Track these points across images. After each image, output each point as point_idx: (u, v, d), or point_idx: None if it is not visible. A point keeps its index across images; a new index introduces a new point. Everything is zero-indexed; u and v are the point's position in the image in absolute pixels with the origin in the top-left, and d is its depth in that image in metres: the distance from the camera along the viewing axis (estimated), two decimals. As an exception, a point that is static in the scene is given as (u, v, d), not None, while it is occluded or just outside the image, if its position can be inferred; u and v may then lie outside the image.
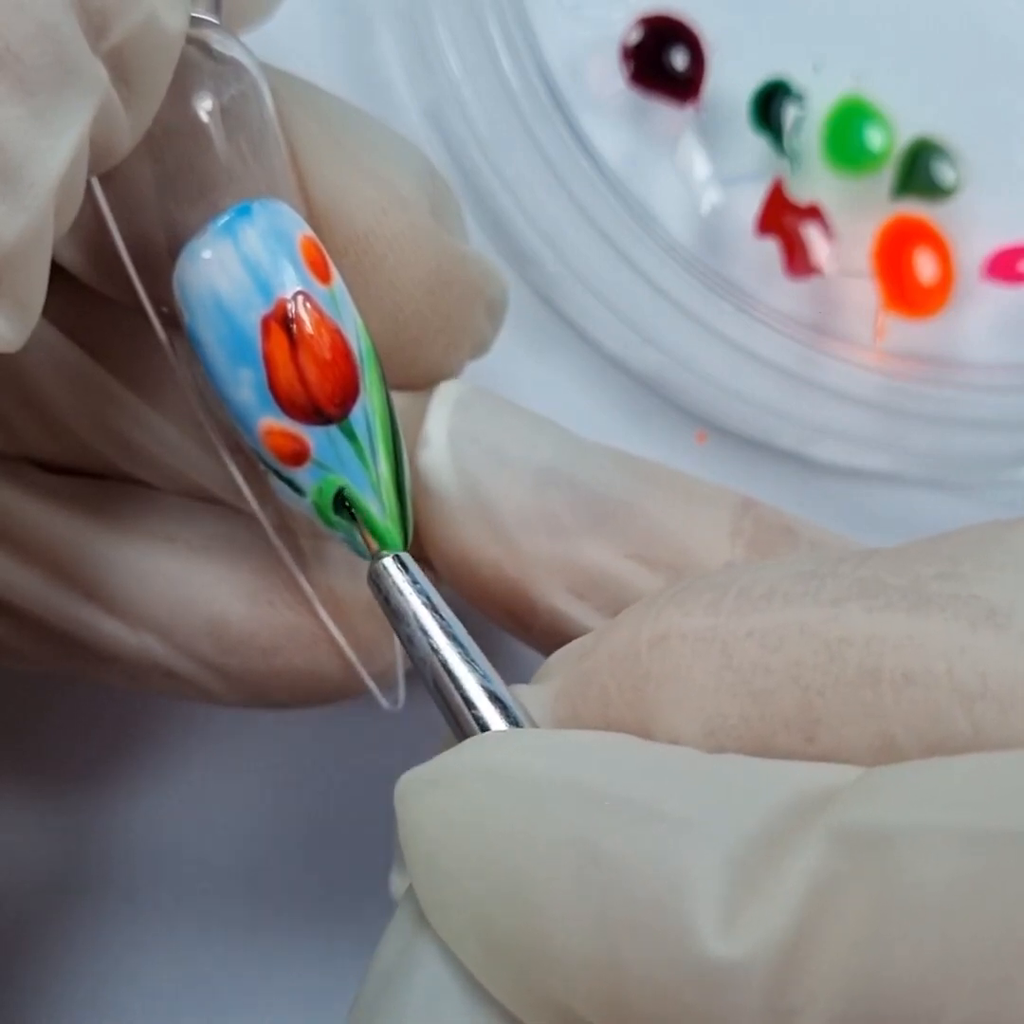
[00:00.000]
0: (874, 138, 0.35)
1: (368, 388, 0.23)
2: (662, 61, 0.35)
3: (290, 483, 0.23)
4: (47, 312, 0.22)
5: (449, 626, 0.22)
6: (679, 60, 0.35)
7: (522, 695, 0.21)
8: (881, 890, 0.16)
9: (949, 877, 0.16)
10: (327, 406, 0.23)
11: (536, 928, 0.18)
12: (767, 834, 0.17)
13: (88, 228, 0.24)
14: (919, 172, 0.36)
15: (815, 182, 0.35)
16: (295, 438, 0.23)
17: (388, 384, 0.24)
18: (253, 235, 0.22)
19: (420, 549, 0.26)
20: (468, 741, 0.20)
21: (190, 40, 0.23)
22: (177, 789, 0.34)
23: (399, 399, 0.26)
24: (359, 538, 0.23)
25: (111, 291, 0.26)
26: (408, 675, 0.27)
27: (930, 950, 0.16)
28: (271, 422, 0.23)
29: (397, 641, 0.26)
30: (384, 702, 0.27)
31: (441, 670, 0.21)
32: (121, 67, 0.20)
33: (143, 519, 0.27)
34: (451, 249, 0.27)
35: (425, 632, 0.22)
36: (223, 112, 0.24)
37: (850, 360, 0.35)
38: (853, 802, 0.17)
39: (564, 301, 0.35)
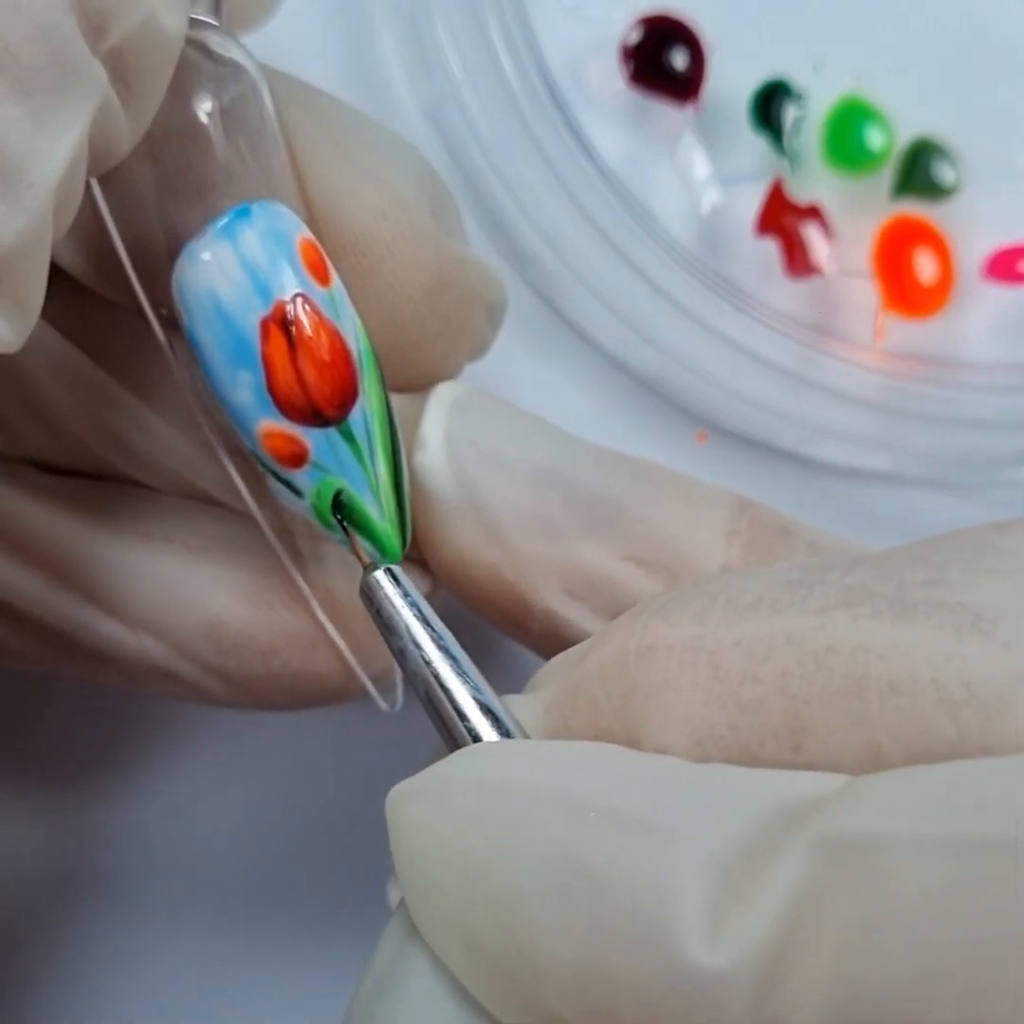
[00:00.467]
0: (874, 138, 0.35)
1: (367, 390, 0.23)
2: (662, 61, 0.35)
3: (289, 485, 0.23)
4: (46, 313, 0.22)
5: (441, 638, 0.22)
6: (679, 60, 0.35)
7: (514, 706, 0.21)
8: (864, 898, 0.16)
9: (931, 885, 0.16)
10: (326, 408, 0.23)
11: (523, 938, 0.18)
12: (751, 843, 0.17)
13: (87, 229, 0.24)
14: (919, 172, 0.35)
15: (815, 182, 0.35)
16: (294, 440, 0.23)
17: (387, 386, 0.24)
18: (252, 237, 0.22)
19: (416, 551, 0.26)
20: (457, 753, 0.20)
21: (189, 41, 0.23)
22: (176, 790, 0.34)
23: (397, 401, 0.26)
24: (359, 541, 0.23)
25: (110, 293, 0.26)
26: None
27: (912, 958, 0.16)
28: (270, 424, 0.23)
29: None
30: (382, 704, 0.27)
31: (433, 682, 0.21)
32: (120, 68, 0.20)
33: (142, 520, 0.27)
34: (450, 251, 0.27)
35: (417, 644, 0.22)
36: (222, 113, 0.24)
37: (850, 360, 0.35)
38: (836, 811, 0.17)
39: (564, 301, 0.35)
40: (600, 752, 0.19)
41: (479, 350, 0.29)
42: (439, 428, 0.26)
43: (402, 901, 0.20)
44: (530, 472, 0.26)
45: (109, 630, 0.26)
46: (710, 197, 0.36)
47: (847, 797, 0.17)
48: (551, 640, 0.26)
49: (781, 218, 0.35)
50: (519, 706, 0.21)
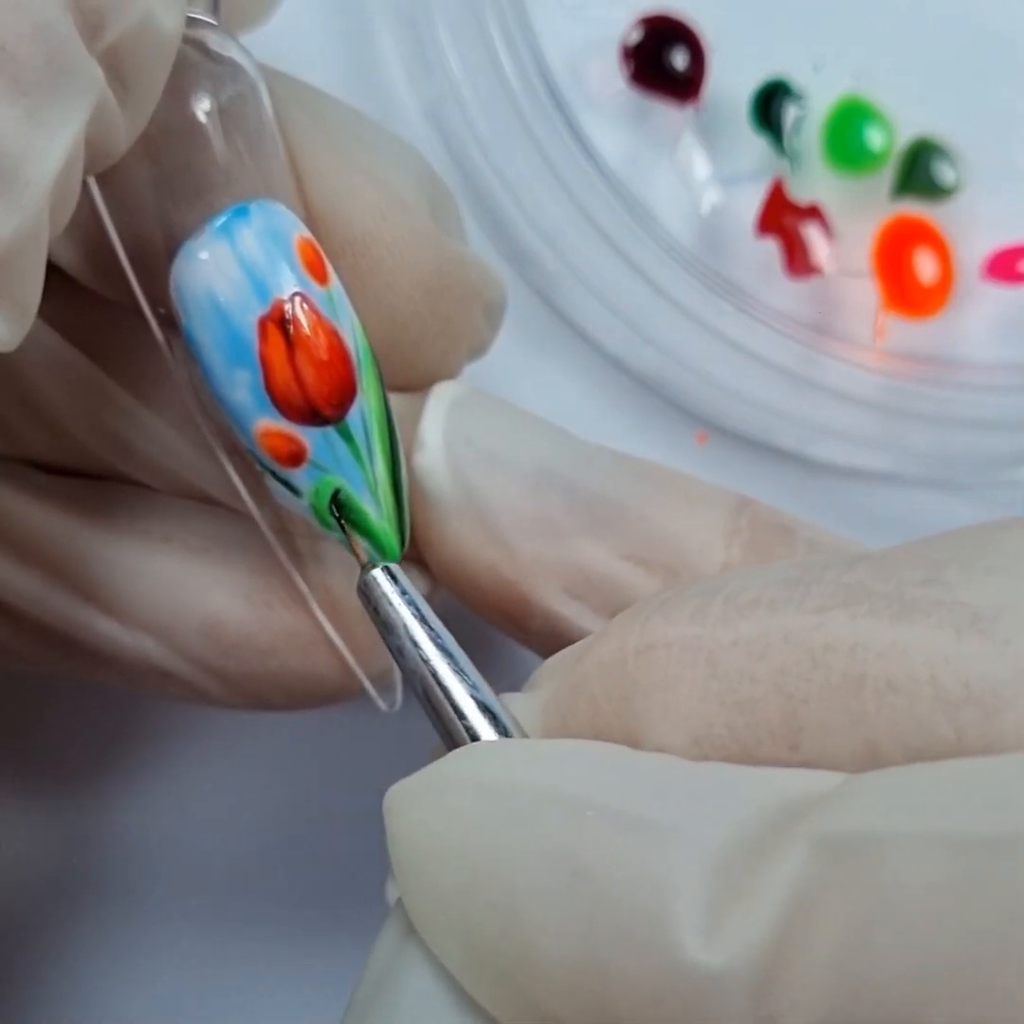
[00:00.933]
0: (874, 138, 0.35)
1: (365, 389, 0.23)
2: (662, 61, 0.35)
3: (287, 484, 0.23)
4: (44, 313, 0.22)
5: (438, 637, 0.22)
6: (679, 60, 0.35)
7: (512, 704, 0.21)
8: (862, 896, 0.16)
9: (930, 883, 0.16)
10: (324, 407, 0.23)
11: (521, 937, 0.18)
12: (749, 841, 0.17)
13: (85, 229, 0.24)
14: (919, 172, 0.35)
15: (815, 182, 0.35)
16: (292, 439, 0.23)
17: (386, 385, 0.24)
18: (250, 236, 0.22)
19: (416, 551, 0.26)
20: (455, 752, 0.20)
21: (188, 41, 0.23)
22: (175, 790, 0.34)
23: (396, 400, 0.26)
24: (357, 541, 0.23)
25: (108, 292, 0.26)
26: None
27: (911, 956, 0.16)
28: (268, 423, 0.23)
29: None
30: (382, 704, 0.27)
31: (431, 681, 0.21)
32: (117, 67, 0.20)
33: (140, 520, 0.27)
34: (450, 251, 0.27)
35: (415, 643, 0.22)
36: (221, 113, 0.24)
37: (850, 360, 0.35)
38: (834, 809, 0.17)
39: (564, 301, 0.35)
40: (598, 751, 0.19)
41: (479, 350, 0.29)
42: (438, 428, 0.26)
43: (399, 900, 0.20)
44: (529, 471, 0.26)
45: (108, 630, 0.26)
46: (710, 197, 0.35)
47: (845, 795, 0.17)
48: (551, 639, 0.26)
49: (781, 218, 0.35)
50: (517, 705, 0.21)
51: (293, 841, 0.34)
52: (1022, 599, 0.18)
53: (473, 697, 0.21)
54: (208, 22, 0.24)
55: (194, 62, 0.23)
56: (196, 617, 0.26)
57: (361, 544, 0.23)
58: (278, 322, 0.22)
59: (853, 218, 0.35)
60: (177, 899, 0.34)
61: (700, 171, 0.36)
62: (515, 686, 0.22)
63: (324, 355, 0.22)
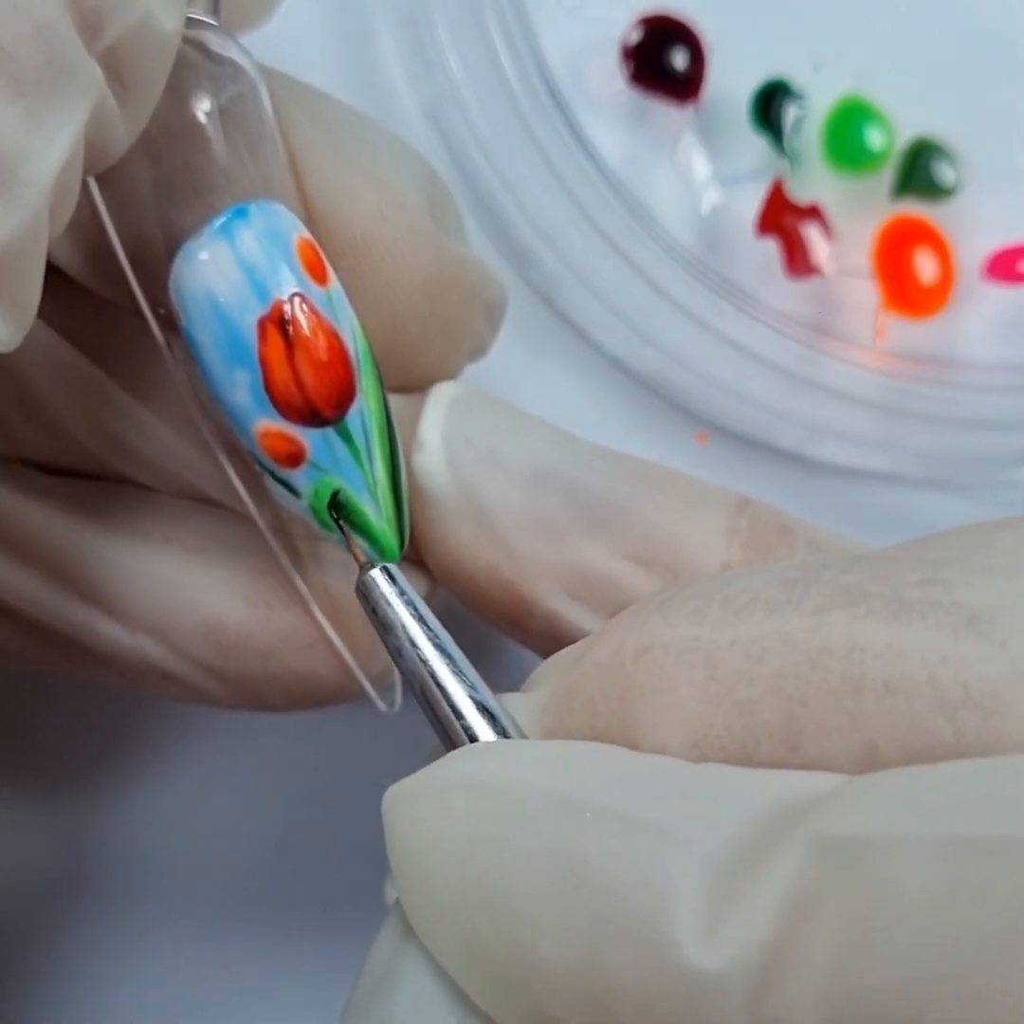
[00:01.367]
0: (874, 138, 0.35)
1: (365, 390, 0.23)
2: (662, 61, 0.35)
3: (286, 485, 0.23)
4: (44, 313, 0.22)
5: (437, 637, 0.22)
6: (679, 60, 0.35)
7: (511, 704, 0.21)
8: (860, 899, 0.16)
9: (928, 885, 0.16)
10: (323, 408, 0.23)
11: (519, 938, 0.18)
12: (748, 843, 0.17)
13: (85, 229, 0.24)
14: (919, 172, 0.35)
15: (815, 182, 0.35)
16: (291, 440, 0.23)
17: (385, 386, 0.24)
18: (249, 237, 0.22)
19: (415, 552, 0.26)
20: (454, 753, 0.20)
21: (188, 41, 0.23)
22: (174, 791, 0.34)
23: (395, 401, 0.26)
24: (355, 541, 0.23)
25: (108, 292, 0.26)
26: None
27: (910, 959, 0.16)
28: (267, 424, 0.23)
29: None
30: (381, 705, 0.27)
31: (430, 681, 0.21)
32: (116, 67, 0.20)
33: (139, 520, 0.27)
34: (450, 252, 0.27)
35: (413, 644, 0.22)
36: (221, 113, 0.24)
37: (850, 360, 0.35)
38: (832, 811, 0.17)
39: (564, 301, 0.35)
40: (597, 752, 0.19)
41: (479, 351, 0.29)
42: (437, 428, 0.26)
43: (398, 901, 0.20)
44: (529, 472, 0.26)
45: (107, 630, 0.26)
46: (710, 197, 0.35)
47: (843, 797, 0.17)
48: (551, 640, 0.26)
49: (781, 218, 0.35)
50: (516, 705, 0.21)
51: (293, 841, 0.34)
52: (1019, 599, 0.18)
53: (471, 698, 0.21)
54: (208, 22, 0.24)
55: (194, 62, 0.23)
56: (196, 618, 0.26)
57: (360, 544, 0.23)
58: (277, 323, 0.22)
59: (853, 218, 0.35)
60: (177, 899, 0.34)
61: (700, 171, 0.36)
62: (515, 686, 0.22)
63: (323, 356, 0.22)
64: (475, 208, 0.35)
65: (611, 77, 0.35)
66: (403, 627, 0.22)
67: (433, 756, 0.20)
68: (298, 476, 0.23)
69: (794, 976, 0.16)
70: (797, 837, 0.17)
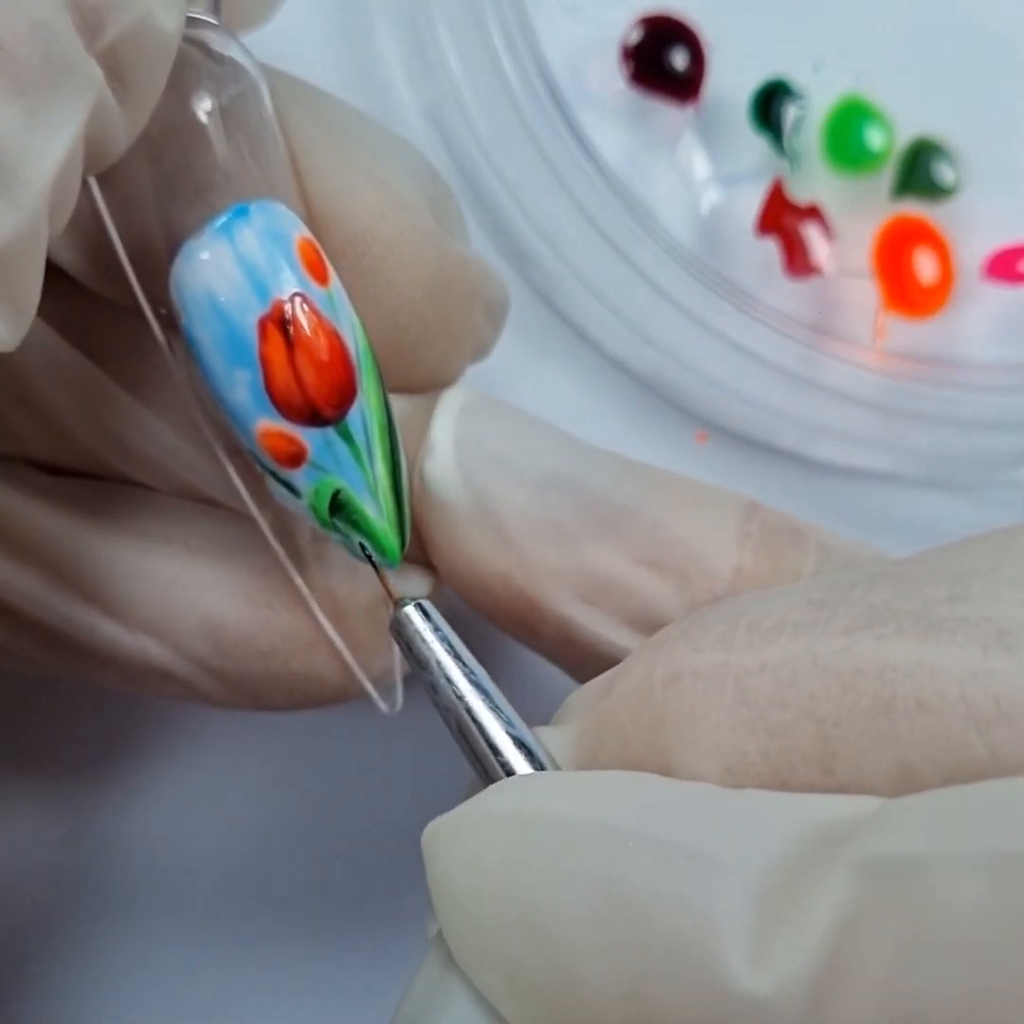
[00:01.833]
0: (874, 138, 0.35)
1: (365, 390, 0.23)
2: (662, 61, 0.35)
3: (287, 485, 0.23)
4: (45, 313, 0.22)
5: (472, 672, 0.22)
6: (679, 60, 0.35)
7: (543, 737, 0.21)
8: (909, 919, 0.16)
9: (977, 903, 0.16)
10: (324, 408, 0.23)
11: (564, 968, 0.18)
12: (792, 867, 0.17)
13: (86, 229, 0.24)
14: (919, 172, 0.35)
15: (815, 182, 0.35)
16: (292, 440, 0.23)
17: (387, 387, 0.24)
18: (250, 236, 0.22)
19: (418, 552, 0.26)
20: (493, 787, 0.20)
21: (189, 40, 0.23)
22: (174, 791, 0.34)
23: (400, 403, 0.26)
24: (356, 541, 0.23)
25: (109, 292, 0.26)
26: (406, 679, 0.27)
27: (962, 976, 0.16)
28: (268, 424, 0.23)
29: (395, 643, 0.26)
30: (382, 705, 0.27)
31: (466, 717, 0.21)
32: (116, 66, 0.20)
33: (140, 520, 0.27)
34: (451, 251, 0.27)
35: (449, 679, 0.22)
36: (222, 113, 0.24)
37: (850, 360, 0.35)
38: (877, 833, 0.17)
39: (564, 301, 0.35)
40: (635, 781, 0.19)
41: (481, 351, 0.29)
42: (448, 434, 0.26)
43: (438, 934, 0.20)
44: (540, 477, 0.26)
45: (107, 631, 0.26)
46: (710, 197, 0.35)
47: (887, 818, 0.17)
48: (563, 646, 0.26)
49: (781, 218, 0.35)
50: (548, 738, 0.21)
51: (293, 842, 0.34)
52: None
53: (508, 732, 0.21)
54: (209, 22, 0.24)
55: (195, 62, 0.23)
56: (196, 618, 0.26)
57: (392, 580, 0.23)
58: (278, 322, 0.22)
59: (853, 218, 0.35)
60: (177, 899, 0.34)
61: (700, 171, 0.36)
62: (522, 695, 0.22)
63: (324, 356, 0.22)
64: (475, 208, 0.35)
65: (611, 77, 0.35)
66: (438, 663, 0.22)
67: (471, 792, 0.20)
68: (299, 476, 0.23)
69: (846, 998, 0.16)
70: (843, 859, 0.17)
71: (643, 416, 0.35)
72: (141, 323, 0.25)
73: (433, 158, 0.29)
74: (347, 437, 0.23)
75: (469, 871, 0.19)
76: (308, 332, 0.22)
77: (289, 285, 0.22)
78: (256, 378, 0.22)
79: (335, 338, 0.23)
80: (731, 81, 0.35)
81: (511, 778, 0.21)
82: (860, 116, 0.36)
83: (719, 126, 0.36)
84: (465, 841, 0.19)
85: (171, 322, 0.24)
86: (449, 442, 0.26)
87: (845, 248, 0.35)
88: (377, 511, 0.23)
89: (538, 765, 0.21)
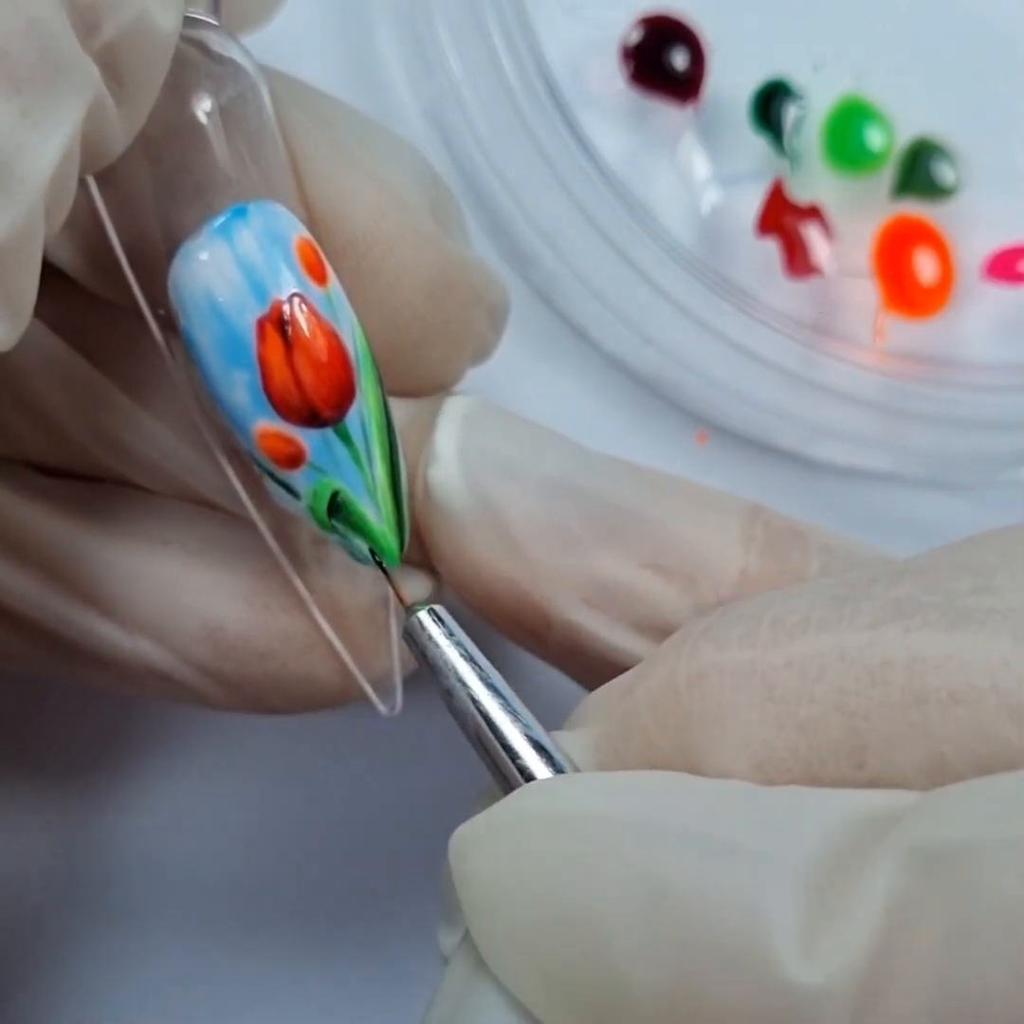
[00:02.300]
0: (874, 138, 0.35)
1: (364, 391, 0.23)
2: (662, 61, 0.35)
3: (285, 486, 0.23)
4: (43, 314, 0.22)
5: (488, 676, 0.22)
6: (679, 60, 0.35)
7: (562, 741, 0.21)
8: (960, 905, 0.16)
9: None
10: (322, 409, 0.23)
11: (607, 966, 0.18)
12: (837, 859, 0.17)
13: (85, 229, 0.24)
14: (919, 172, 0.35)
15: (815, 182, 0.35)
16: (290, 441, 0.23)
17: (388, 389, 0.24)
18: (248, 237, 0.22)
19: (419, 554, 0.26)
20: (519, 791, 0.20)
21: (188, 40, 0.23)
22: (173, 793, 0.34)
23: (403, 407, 0.26)
24: (355, 542, 0.23)
25: (108, 293, 0.26)
26: (406, 680, 0.27)
27: (1013, 962, 0.16)
28: (266, 425, 0.22)
29: (395, 645, 0.26)
30: (381, 708, 0.27)
31: (482, 722, 0.21)
32: (113, 65, 0.20)
33: (139, 522, 0.26)
34: (451, 253, 0.27)
35: (464, 684, 0.22)
36: (221, 113, 0.23)
37: (850, 360, 0.35)
38: (922, 821, 0.17)
39: (564, 301, 0.35)
40: (667, 779, 0.19)
41: (482, 353, 0.29)
42: (452, 441, 0.26)
43: (464, 941, 0.20)
44: (544, 483, 0.26)
45: (106, 633, 0.26)
46: (710, 197, 0.35)
47: (930, 807, 0.17)
48: (569, 651, 0.26)
49: (781, 218, 0.35)
50: (566, 742, 0.21)
51: (292, 843, 0.34)
52: None
53: (526, 736, 0.21)
54: (209, 22, 0.24)
55: (195, 62, 0.23)
56: (195, 620, 0.26)
57: (405, 587, 0.23)
58: (276, 323, 0.22)
59: (853, 218, 0.35)
60: (176, 900, 0.34)
61: (700, 171, 0.36)
62: (531, 703, 0.22)
63: (323, 356, 0.22)
64: (475, 208, 0.35)
65: (611, 77, 0.35)
66: (453, 668, 0.22)
67: (489, 798, 0.20)
68: (297, 477, 0.23)
69: (898, 986, 0.16)
70: (889, 848, 0.17)
71: (643, 416, 0.35)
72: (139, 324, 0.25)
73: (433, 158, 0.29)
74: (346, 438, 0.23)
75: (504, 875, 0.19)
76: (306, 333, 0.22)
77: (287, 286, 0.22)
78: (254, 379, 0.22)
79: (334, 339, 0.23)
80: (731, 81, 0.35)
81: (539, 781, 0.21)
82: (860, 116, 0.36)
83: (719, 126, 0.36)
84: (498, 845, 0.19)
85: (169, 323, 0.24)
86: (453, 449, 0.26)
87: (845, 248, 0.35)
88: (376, 512, 0.23)
89: (558, 769, 0.21)
